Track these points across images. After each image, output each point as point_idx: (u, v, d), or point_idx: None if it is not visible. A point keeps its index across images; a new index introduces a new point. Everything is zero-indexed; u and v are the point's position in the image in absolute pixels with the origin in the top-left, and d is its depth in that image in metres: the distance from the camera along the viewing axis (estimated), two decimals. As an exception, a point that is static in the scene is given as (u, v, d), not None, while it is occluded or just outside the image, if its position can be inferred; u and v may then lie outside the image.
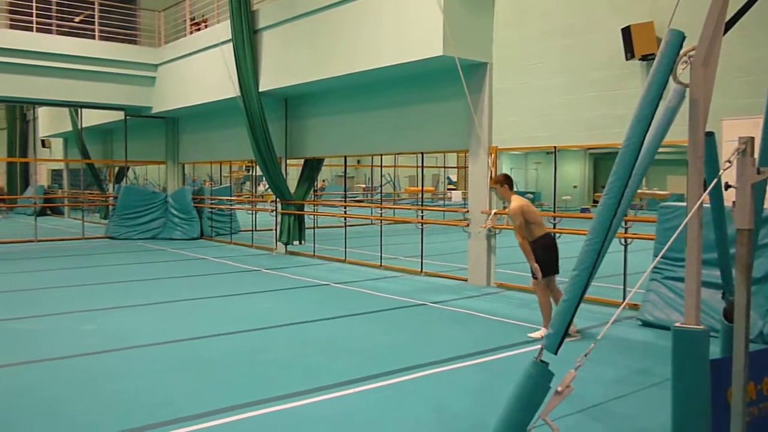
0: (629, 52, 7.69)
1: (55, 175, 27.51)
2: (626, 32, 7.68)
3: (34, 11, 15.22)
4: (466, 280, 10.10)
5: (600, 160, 31.52)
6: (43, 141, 26.46)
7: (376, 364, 5.70)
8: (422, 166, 12.89)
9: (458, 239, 12.67)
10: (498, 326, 7.29)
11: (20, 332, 6.96)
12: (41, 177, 28.33)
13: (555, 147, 8.99)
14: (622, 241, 8.00)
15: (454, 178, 33.25)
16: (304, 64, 11.71)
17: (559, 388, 3.13)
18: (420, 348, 6.36)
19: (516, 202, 6.68)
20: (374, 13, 10.19)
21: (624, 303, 3.65)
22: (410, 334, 7.00)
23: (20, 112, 28.36)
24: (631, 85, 7.85)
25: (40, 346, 6.36)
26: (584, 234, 3.35)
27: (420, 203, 14.24)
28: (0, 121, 30.38)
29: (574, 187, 30.38)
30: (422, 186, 14.55)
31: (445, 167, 29.98)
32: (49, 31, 15.96)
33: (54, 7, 16.12)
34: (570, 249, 6.59)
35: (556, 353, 3.21)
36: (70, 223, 22.27)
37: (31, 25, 15.26)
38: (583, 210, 25.11)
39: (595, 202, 27.70)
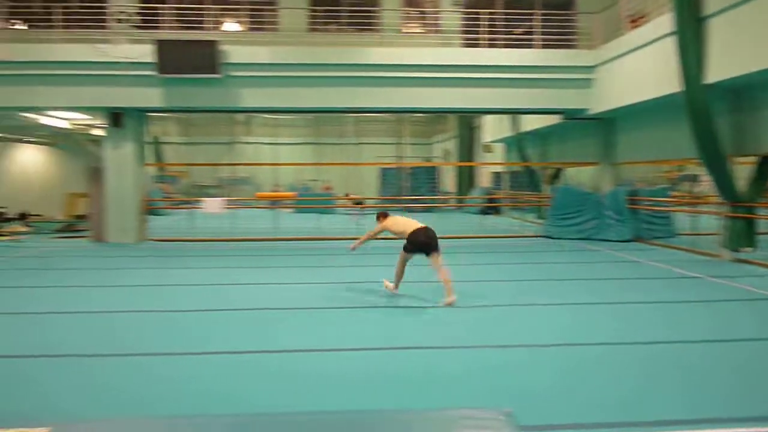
0: None
1: (496, 177, 29.91)
2: None
3: (482, 29, 16.80)
4: None
5: None
6: (486, 146, 29.06)
7: None
8: None
9: None
10: None
11: (469, 321, 7.70)
12: (484, 179, 31.15)
13: None
14: None
15: None
16: (761, 48, 10.40)
17: None
18: None
19: (384, 222, 8.98)
20: None
21: None
22: None
23: (468, 121, 31.66)
24: None
25: (492, 333, 6.95)
26: None
27: None
28: (453, 130, 34.42)
29: None
30: None
31: None
32: (495, 46, 17.38)
33: (501, 23, 17.53)
34: None
35: None
36: (508, 221, 23.95)
37: (478, 42, 16.90)
38: None
39: None
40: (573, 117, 17.70)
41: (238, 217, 19.99)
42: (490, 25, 17.39)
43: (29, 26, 18.84)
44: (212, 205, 17.63)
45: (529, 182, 23.60)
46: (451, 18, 18.50)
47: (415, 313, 8.00)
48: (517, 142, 23.47)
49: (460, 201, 31.41)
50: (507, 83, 16.32)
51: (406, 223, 8.91)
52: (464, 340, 6.66)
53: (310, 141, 39.26)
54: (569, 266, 12.39)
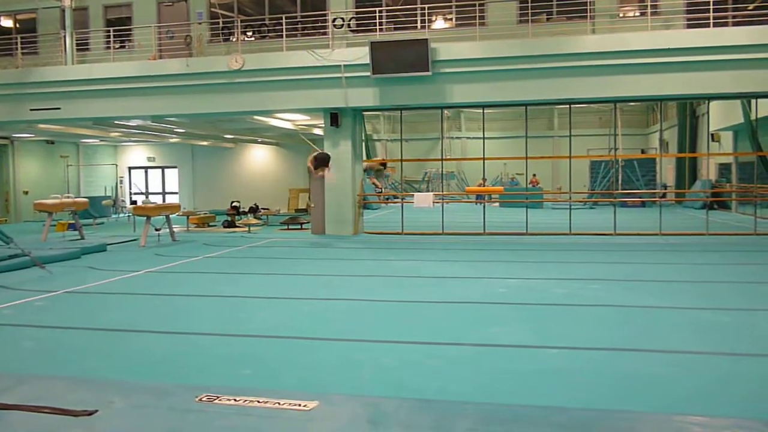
0: None
1: (723, 168, 27.30)
2: None
3: (711, 7, 15.34)
4: None
5: None
6: (712, 135, 26.57)
7: None
8: None
9: None
10: None
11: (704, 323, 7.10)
12: (709, 171, 28.58)
13: None
14: None
15: None
16: None
17: None
18: None
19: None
20: None
21: None
22: None
23: (690, 108, 29.21)
24: None
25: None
26: None
27: None
28: (671, 118, 32.01)
29: None
30: None
31: None
32: (725, 24, 15.81)
33: (730, -1, 15.92)
34: None
35: None
36: (737, 218, 21.79)
37: (705, 21, 15.43)
38: None
39: None
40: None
41: (447, 212, 20.24)
42: (718, 2, 15.82)
43: (256, 37, 20.60)
44: (422, 199, 18.10)
45: (763, 174, 21.19)
46: (673, -2, 17.13)
47: (650, 314, 7.55)
48: (749, 130, 21.21)
49: (680, 195, 29.14)
50: (741, 64, 14.81)
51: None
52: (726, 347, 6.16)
53: (517, 134, 38.70)
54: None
